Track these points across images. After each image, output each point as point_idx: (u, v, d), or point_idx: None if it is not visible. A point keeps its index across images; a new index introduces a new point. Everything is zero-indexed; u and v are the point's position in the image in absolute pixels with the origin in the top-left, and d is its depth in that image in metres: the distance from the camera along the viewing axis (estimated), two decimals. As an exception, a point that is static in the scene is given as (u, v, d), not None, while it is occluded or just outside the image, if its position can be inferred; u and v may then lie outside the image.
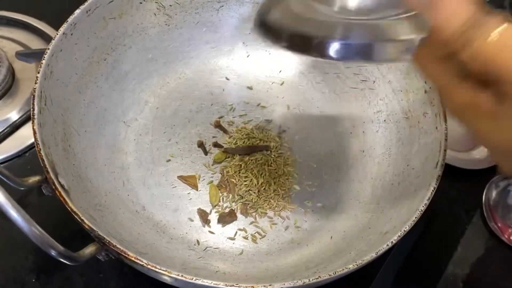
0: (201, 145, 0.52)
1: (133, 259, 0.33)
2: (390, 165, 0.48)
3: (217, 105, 0.55)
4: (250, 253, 0.46)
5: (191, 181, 0.50)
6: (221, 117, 0.54)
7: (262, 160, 0.51)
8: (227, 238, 0.47)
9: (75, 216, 0.34)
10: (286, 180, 0.50)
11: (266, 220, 0.48)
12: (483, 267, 0.49)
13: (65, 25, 0.44)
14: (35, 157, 0.37)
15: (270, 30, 0.34)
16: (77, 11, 0.45)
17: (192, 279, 0.32)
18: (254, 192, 0.49)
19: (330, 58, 0.31)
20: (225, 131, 0.53)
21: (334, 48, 0.31)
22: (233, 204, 0.48)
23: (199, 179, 0.50)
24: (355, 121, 0.53)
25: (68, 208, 0.34)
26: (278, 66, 0.57)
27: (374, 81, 0.52)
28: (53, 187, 0.35)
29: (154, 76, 0.54)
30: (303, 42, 0.32)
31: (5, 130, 0.52)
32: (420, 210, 0.37)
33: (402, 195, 0.43)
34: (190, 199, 0.48)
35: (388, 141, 0.50)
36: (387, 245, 0.36)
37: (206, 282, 0.32)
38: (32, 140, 0.43)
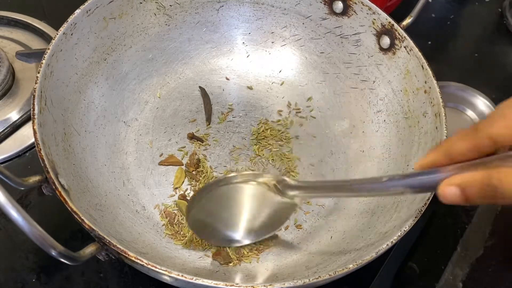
0: (192, 137, 0.51)
1: (133, 259, 0.33)
2: (390, 165, 0.48)
3: (217, 105, 0.55)
4: (250, 253, 0.46)
5: (172, 161, 0.50)
6: (220, 117, 0.54)
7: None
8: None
9: (75, 216, 0.34)
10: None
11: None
12: (483, 267, 0.49)
13: (65, 25, 0.44)
14: (35, 157, 0.37)
15: None
16: (77, 11, 0.45)
17: (192, 279, 0.32)
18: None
19: None
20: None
21: None
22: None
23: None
24: (355, 121, 0.53)
25: (68, 208, 0.34)
26: (278, 66, 0.57)
27: (374, 81, 0.52)
28: (53, 187, 0.35)
29: (154, 76, 0.54)
30: None
31: (5, 130, 0.52)
32: (420, 210, 0.37)
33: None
34: (190, 199, 0.48)
35: (388, 141, 0.50)
36: (387, 245, 0.36)
37: (206, 282, 0.32)
38: (32, 140, 0.43)
